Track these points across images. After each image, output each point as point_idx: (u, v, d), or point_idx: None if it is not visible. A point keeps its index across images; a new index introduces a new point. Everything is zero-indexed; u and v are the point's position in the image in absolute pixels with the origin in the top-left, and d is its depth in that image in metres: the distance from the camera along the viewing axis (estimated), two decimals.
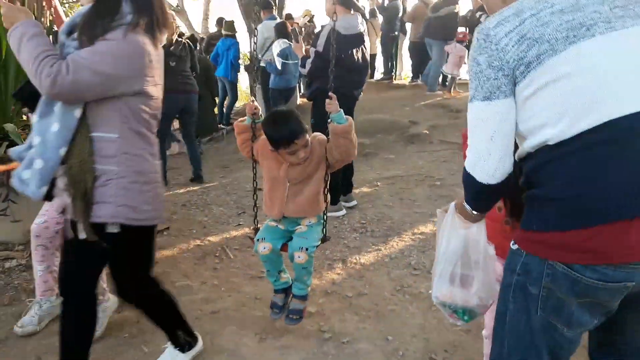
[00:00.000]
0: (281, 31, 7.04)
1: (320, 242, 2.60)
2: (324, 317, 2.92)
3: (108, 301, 2.85)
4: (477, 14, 8.67)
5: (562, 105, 1.23)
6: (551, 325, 1.36)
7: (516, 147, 1.41)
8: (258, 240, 2.60)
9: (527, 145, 1.33)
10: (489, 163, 1.34)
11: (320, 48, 4.18)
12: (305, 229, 2.58)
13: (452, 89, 9.04)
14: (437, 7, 8.55)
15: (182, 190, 5.65)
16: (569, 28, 1.23)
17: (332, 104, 2.41)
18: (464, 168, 1.42)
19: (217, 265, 3.66)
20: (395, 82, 11.18)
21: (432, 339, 2.69)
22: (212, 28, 15.04)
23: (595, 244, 1.24)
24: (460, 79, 9.33)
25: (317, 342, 2.69)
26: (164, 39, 2.08)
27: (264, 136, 2.55)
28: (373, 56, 11.09)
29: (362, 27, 4.30)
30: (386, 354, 2.60)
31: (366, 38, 4.37)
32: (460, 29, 8.46)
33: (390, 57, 11.12)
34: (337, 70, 4.10)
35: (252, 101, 2.62)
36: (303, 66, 4.49)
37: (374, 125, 6.94)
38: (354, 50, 4.22)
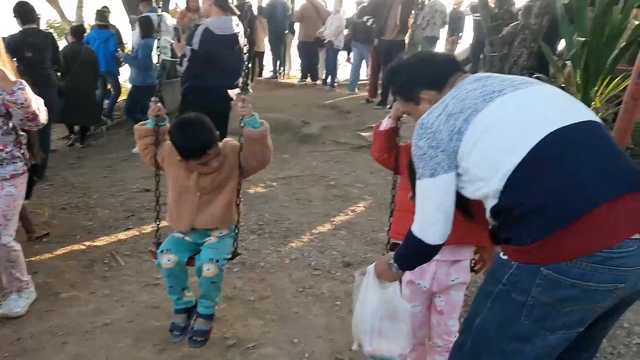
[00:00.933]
0: (144, 26, 6.68)
1: (231, 255, 2.47)
2: (227, 323, 2.83)
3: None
4: (365, 19, 9.03)
5: (506, 137, 1.46)
6: (533, 332, 1.43)
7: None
8: (162, 251, 2.40)
9: (495, 184, 1.47)
10: (437, 228, 1.58)
11: (195, 46, 4.18)
12: (215, 240, 2.45)
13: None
14: (362, 14, 8.85)
15: (59, 191, 5.20)
16: (484, 94, 1.53)
17: (245, 107, 2.31)
18: (410, 234, 1.63)
19: (106, 273, 3.41)
20: (282, 80, 11.21)
21: (337, 339, 2.72)
22: (88, 17, 14.06)
23: (584, 235, 1.33)
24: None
25: (221, 349, 2.61)
26: None
27: (169, 141, 2.40)
28: (261, 54, 11.03)
29: (237, 28, 4.31)
30: (292, 356, 2.59)
31: (241, 39, 4.32)
32: None
33: (279, 56, 11.15)
34: (212, 70, 4.14)
35: (156, 101, 2.43)
36: (180, 64, 4.44)
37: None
38: (229, 51, 4.19)
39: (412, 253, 1.70)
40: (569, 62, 4.90)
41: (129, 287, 3.21)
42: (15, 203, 2.77)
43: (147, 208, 4.59)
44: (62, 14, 14.96)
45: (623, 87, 4.23)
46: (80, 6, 14.89)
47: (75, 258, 3.60)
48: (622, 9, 4.39)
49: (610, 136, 1.50)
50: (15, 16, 5.44)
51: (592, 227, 1.33)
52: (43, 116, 2.66)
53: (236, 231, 2.50)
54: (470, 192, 1.57)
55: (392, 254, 1.81)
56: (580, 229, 1.34)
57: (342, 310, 3.00)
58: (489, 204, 1.52)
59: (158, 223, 2.61)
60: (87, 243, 3.86)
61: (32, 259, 3.52)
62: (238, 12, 4.52)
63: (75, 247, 3.79)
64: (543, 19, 6.34)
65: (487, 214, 1.55)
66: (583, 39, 4.27)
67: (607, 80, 4.42)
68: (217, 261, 2.35)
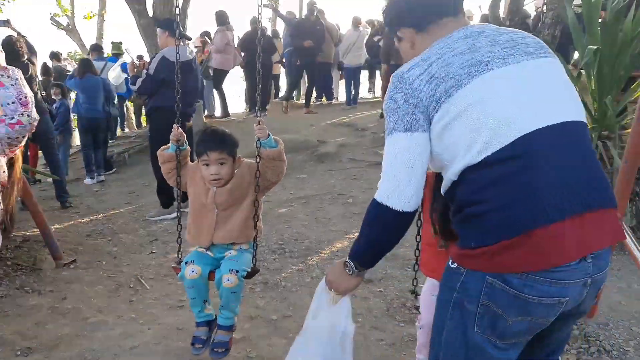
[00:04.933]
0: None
1: (250, 270, 2.51)
2: (251, 343, 2.87)
3: None
4: (375, 38, 9.15)
5: (476, 129, 1.35)
6: (487, 341, 1.40)
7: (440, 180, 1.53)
8: (186, 263, 2.48)
9: (451, 173, 1.43)
10: (407, 190, 1.41)
11: (151, 71, 4.87)
12: (235, 253, 2.52)
13: None
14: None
15: (84, 220, 5.33)
16: (470, 65, 1.39)
17: (261, 129, 2.39)
18: (372, 205, 1.47)
19: (132, 297, 3.48)
20: (297, 101, 11.33)
21: (359, 356, 2.73)
22: (107, 48, 14.48)
23: (528, 251, 1.30)
24: None
25: None
26: None
27: (191, 163, 2.52)
28: (276, 76, 11.20)
29: (191, 55, 5.11)
30: None
31: (196, 66, 5.24)
32: None
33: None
34: (170, 91, 4.42)
35: (177, 127, 2.53)
36: (134, 84, 5.16)
37: (284, 145, 6.99)
38: (185, 75, 4.47)
39: (374, 230, 1.50)
40: (583, 71, 4.90)
41: (155, 310, 3.28)
42: None
43: (169, 232, 4.68)
44: (82, 45, 15.42)
45: (638, 94, 4.23)
46: (99, 37, 15.34)
47: (102, 283, 3.69)
48: (634, 15, 4.39)
49: (588, 142, 1.44)
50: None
51: (537, 244, 1.30)
52: (34, 112, 2.63)
53: (255, 247, 2.55)
54: (432, 166, 1.50)
55: (343, 259, 1.64)
56: (524, 243, 1.30)
57: (363, 327, 3.02)
58: (444, 187, 1.49)
59: (180, 242, 2.69)
60: (113, 268, 3.96)
61: (61, 285, 3.63)
62: (190, 39, 5.35)
63: (102, 272, 3.89)
64: (556, 28, 6.35)
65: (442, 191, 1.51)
66: (595, 47, 4.28)
67: (622, 87, 4.41)
68: (237, 272, 2.41)
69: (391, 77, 1.49)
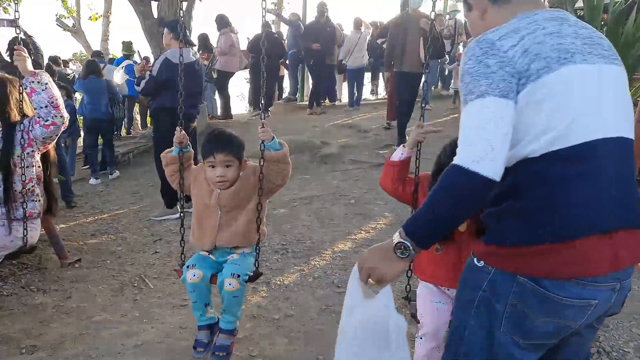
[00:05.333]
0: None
1: (252, 274, 2.52)
2: (253, 342, 2.90)
3: None
4: (379, 41, 9.18)
5: (553, 118, 1.30)
6: (511, 341, 1.38)
7: None
8: (188, 267, 2.49)
9: (510, 158, 1.33)
10: (499, 157, 1.26)
11: (154, 72, 4.96)
12: (238, 257, 2.52)
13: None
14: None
15: (89, 219, 5.38)
16: (559, 50, 1.33)
17: (265, 132, 2.40)
18: (455, 169, 1.28)
19: (136, 296, 3.52)
20: (301, 103, 11.36)
21: None
22: (113, 49, 14.57)
23: (565, 259, 1.29)
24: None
25: None
26: None
27: (194, 166, 2.55)
28: (280, 78, 11.23)
29: (194, 57, 5.13)
30: None
31: (199, 68, 5.22)
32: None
33: (297, 79, 11.35)
34: (172, 93, 4.69)
35: (180, 130, 2.56)
36: (138, 84, 5.20)
37: (288, 146, 7.02)
38: (187, 77, 4.55)
39: (451, 200, 1.31)
40: None
41: (158, 309, 3.31)
42: (9, 243, 2.94)
43: (173, 232, 4.72)
44: (87, 47, 15.50)
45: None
46: (105, 39, 15.40)
47: (106, 282, 3.72)
48: (635, 18, 4.41)
49: (633, 161, 1.43)
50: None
51: (580, 254, 1.29)
52: (64, 110, 2.83)
53: (257, 251, 2.56)
54: None
55: (386, 241, 1.42)
56: (568, 251, 1.29)
57: None
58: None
59: (183, 245, 2.70)
60: (117, 267, 4.00)
61: (65, 284, 3.67)
62: (195, 44, 5.40)
63: (106, 271, 3.92)
64: None
65: None
66: None
67: None
68: (239, 276, 2.41)
69: (473, 42, 1.37)
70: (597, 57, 1.37)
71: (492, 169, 1.25)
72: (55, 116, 2.79)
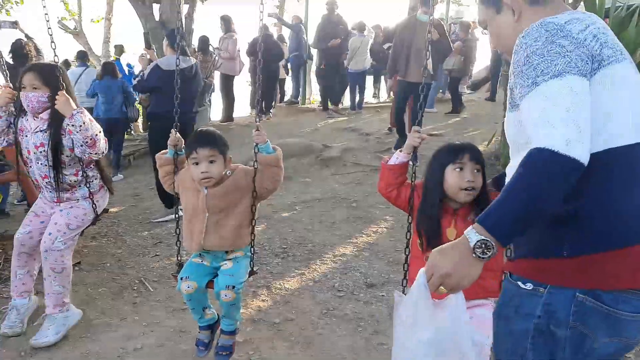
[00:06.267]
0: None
1: (247, 276, 2.52)
2: (253, 346, 2.89)
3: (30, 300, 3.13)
4: (385, 46, 9.19)
5: (617, 111, 1.23)
6: None
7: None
8: (181, 278, 2.48)
9: None
10: (587, 141, 1.15)
11: (145, 76, 5.26)
12: (230, 265, 2.49)
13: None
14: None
15: None
16: (618, 43, 1.29)
17: (259, 135, 2.40)
18: (543, 153, 1.14)
19: (136, 299, 3.51)
20: (303, 105, 11.36)
21: None
22: (114, 51, 14.59)
23: (634, 265, 1.20)
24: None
25: None
26: None
27: (184, 169, 2.53)
28: (282, 80, 11.23)
29: (186, 64, 5.04)
30: None
31: (194, 73, 5.22)
32: None
33: (299, 82, 11.34)
34: (161, 98, 4.84)
35: (175, 132, 2.56)
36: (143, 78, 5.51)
37: (289, 148, 6.98)
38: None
39: (541, 188, 1.14)
40: None
41: (158, 313, 3.30)
42: (84, 217, 3.02)
43: (173, 235, 4.62)
44: (89, 49, 15.50)
45: None
46: (106, 41, 15.43)
47: (106, 285, 3.71)
48: (637, 23, 4.40)
49: None
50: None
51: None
52: (102, 144, 2.89)
53: (252, 251, 2.55)
54: (521, 137, 1.30)
55: (455, 241, 1.25)
56: (632, 256, 1.19)
57: (366, 331, 3.03)
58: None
59: (179, 245, 2.71)
60: (117, 270, 3.98)
61: None
62: (188, 56, 5.46)
63: (106, 274, 3.90)
64: None
65: None
66: None
67: None
68: (234, 287, 2.41)
69: (534, 26, 1.28)
70: (622, 56, 1.30)
71: (584, 152, 1.13)
72: (91, 153, 2.87)
